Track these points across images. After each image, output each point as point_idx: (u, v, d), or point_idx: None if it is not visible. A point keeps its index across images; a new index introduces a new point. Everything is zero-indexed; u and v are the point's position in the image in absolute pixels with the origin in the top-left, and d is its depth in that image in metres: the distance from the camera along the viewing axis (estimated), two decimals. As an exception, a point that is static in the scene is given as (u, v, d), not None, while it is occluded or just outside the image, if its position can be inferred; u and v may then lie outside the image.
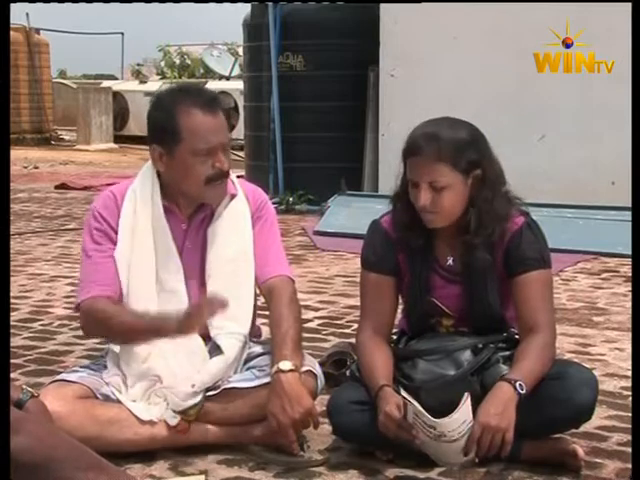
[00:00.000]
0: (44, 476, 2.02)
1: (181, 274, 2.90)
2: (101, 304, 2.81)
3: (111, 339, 2.92)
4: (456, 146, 2.70)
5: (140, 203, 2.89)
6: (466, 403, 2.54)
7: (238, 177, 3.06)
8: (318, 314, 4.71)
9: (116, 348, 2.88)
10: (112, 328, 2.81)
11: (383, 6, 8.30)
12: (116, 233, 2.87)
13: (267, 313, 2.94)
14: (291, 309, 2.88)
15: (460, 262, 2.82)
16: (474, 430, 2.52)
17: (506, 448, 2.55)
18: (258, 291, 3.00)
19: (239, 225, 2.95)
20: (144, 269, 2.87)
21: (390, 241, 2.86)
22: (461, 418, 2.52)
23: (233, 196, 2.95)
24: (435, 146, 2.70)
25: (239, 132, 12.95)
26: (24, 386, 2.35)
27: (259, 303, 3.05)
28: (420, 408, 2.54)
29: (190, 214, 2.93)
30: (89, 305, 2.82)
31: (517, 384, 2.58)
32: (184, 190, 2.86)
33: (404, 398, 2.58)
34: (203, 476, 2.68)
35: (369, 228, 2.93)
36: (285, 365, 2.72)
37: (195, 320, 2.63)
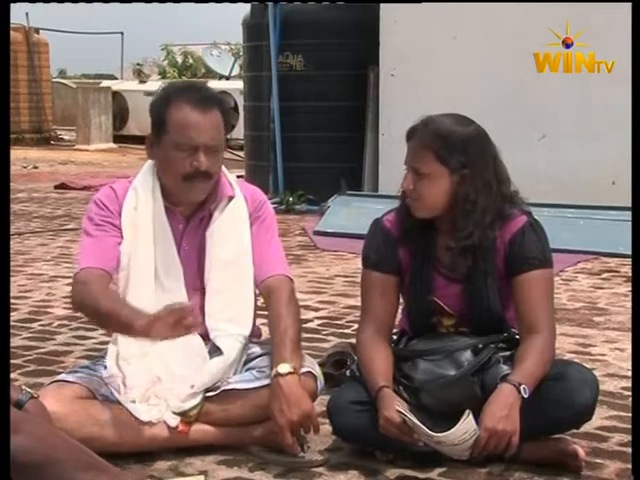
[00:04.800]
0: (44, 476, 2.02)
1: (180, 274, 2.89)
2: (92, 280, 2.76)
3: (88, 318, 2.86)
4: (448, 140, 2.70)
5: (142, 200, 2.89)
6: (467, 420, 2.53)
7: (238, 177, 3.06)
8: (318, 314, 4.71)
9: (115, 348, 2.87)
10: (88, 307, 2.77)
11: (383, 6, 8.30)
12: (119, 221, 2.86)
13: (266, 313, 2.93)
14: (290, 309, 2.87)
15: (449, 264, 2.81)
16: (481, 435, 2.52)
17: (511, 451, 2.56)
18: (257, 291, 3.00)
19: (237, 227, 2.94)
20: (144, 267, 2.86)
21: (392, 240, 2.85)
22: (459, 432, 2.52)
23: (231, 198, 2.94)
24: (426, 134, 2.72)
25: (239, 132, 12.95)
26: (24, 386, 2.36)
27: (258, 303, 3.04)
28: (416, 421, 2.54)
29: (188, 215, 2.93)
30: (81, 276, 2.80)
31: (521, 388, 2.58)
32: (164, 183, 2.87)
33: (400, 413, 2.57)
34: (203, 476, 2.68)
35: (371, 227, 2.92)
36: (284, 368, 2.71)
37: (160, 325, 2.52)
